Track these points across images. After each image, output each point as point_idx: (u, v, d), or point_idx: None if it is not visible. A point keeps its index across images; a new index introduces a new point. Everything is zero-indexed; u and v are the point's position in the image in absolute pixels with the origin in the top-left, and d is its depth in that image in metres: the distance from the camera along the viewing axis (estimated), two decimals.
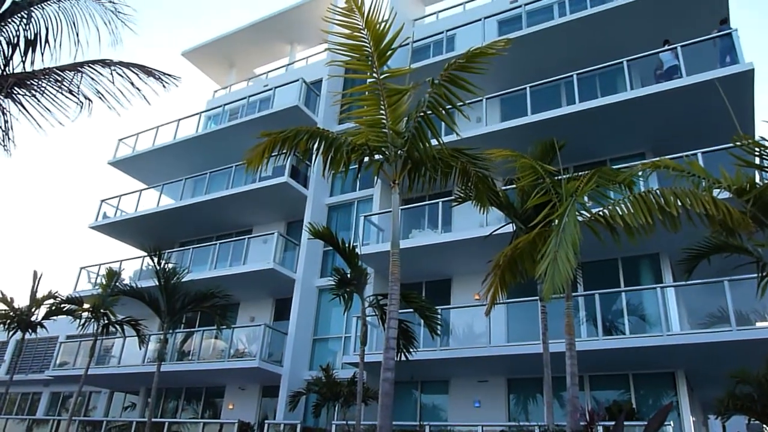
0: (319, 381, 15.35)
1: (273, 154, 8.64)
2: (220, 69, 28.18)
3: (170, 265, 16.31)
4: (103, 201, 23.51)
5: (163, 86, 7.00)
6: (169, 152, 23.16)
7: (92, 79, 6.73)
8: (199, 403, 20.05)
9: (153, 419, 15.41)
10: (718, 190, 7.80)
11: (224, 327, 16.58)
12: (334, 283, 13.34)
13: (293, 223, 20.92)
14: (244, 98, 22.95)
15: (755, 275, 8.51)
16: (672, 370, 13.14)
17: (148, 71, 6.96)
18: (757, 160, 7.57)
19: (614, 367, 13.45)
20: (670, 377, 13.15)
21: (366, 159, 8.61)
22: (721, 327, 11.91)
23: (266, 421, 16.16)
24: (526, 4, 19.04)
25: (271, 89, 22.27)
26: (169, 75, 7.04)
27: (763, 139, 7.52)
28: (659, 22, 16.12)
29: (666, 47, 15.10)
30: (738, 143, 7.58)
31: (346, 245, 12.77)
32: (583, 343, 12.07)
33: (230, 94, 26.45)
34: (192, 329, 20.03)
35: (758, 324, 12.39)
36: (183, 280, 16.08)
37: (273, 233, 19.02)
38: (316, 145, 8.50)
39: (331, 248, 14.16)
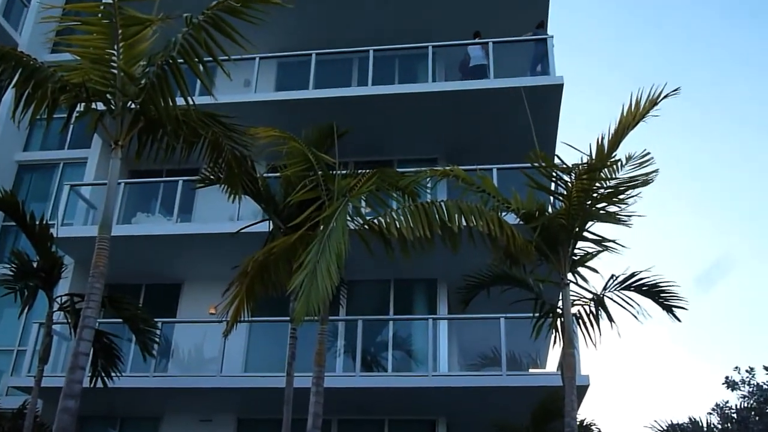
0: None
1: None
2: None
3: None
4: None
5: None
6: None
7: None
8: None
9: None
10: (506, 212, 8.75)
11: None
12: (11, 273, 12.11)
13: None
14: None
15: (530, 315, 9.70)
16: (433, 418, 14.28)
17: None
18: (553, 186, 8.61)
19: (370, 411, 14.21)
20: (431, 426, 14.32)
21: (81, 106, 8.00)
22: (491, 370, 13.35)
23: None
24: None
25: None
26: None
27: (561, 161, 8.45)
28: (474, 11, 17.54)
29: (477, 40, 16.58)
30: (534, 164, 8.55)
31: (36, 222, 11.71)
32: (337, 378, 12.62)
33: None
34: None
35: (531, 370, 14.19)
36: None
37: None
38: (8, 75, 7.69)
39: (14, 224, 12.86)
